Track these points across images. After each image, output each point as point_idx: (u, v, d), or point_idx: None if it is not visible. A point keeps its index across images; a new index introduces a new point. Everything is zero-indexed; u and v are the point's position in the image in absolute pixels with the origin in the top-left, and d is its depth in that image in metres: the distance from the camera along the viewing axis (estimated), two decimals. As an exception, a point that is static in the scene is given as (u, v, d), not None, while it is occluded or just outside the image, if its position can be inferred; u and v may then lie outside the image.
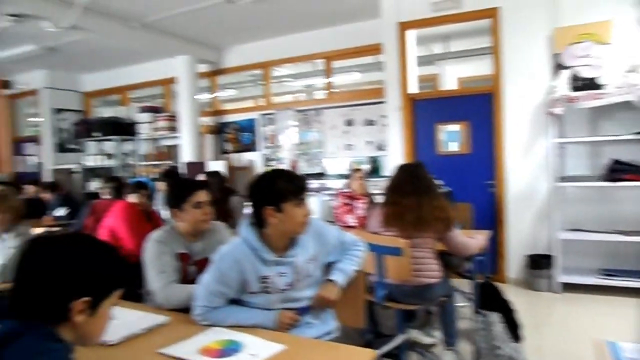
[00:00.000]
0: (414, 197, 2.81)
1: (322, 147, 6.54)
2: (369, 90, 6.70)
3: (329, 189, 6.24)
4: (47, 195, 5.89)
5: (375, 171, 6.11)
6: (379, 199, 3.28)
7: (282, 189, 1.83)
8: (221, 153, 7.29)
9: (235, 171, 6.97)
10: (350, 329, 2.17)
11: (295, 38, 6.69)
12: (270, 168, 5.42)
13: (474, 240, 3.08)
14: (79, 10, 5.06)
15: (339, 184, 6.10)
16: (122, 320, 1.93)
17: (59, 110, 8.56)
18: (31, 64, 7.76)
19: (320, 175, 6.40)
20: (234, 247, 1.93)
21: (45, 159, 8.46)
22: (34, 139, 8.79)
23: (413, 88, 5.39)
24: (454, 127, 5.26)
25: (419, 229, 2.80)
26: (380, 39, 5.42)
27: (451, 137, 5.30)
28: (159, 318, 1.93)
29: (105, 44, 6.57)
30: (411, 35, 5.36)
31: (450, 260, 3.19)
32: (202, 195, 2.35)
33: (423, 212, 2.78)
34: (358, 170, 4.52)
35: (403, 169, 3.04)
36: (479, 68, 6.24)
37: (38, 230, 3.89)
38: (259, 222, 1.89)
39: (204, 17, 5.69)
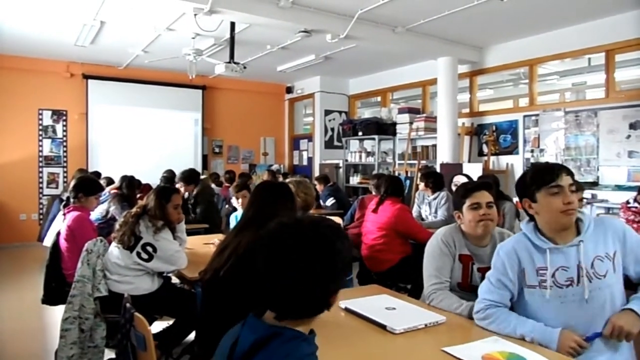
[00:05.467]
0: None
1: (595, 153, 5.78)
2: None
3: (602, 200, 5.48)
4: (320, 187, 6.74)
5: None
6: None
7: (532, 179, 1.85)
8: (478, 155, 7.12)
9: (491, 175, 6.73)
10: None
11: (567, 31, 6.06)
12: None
13: None
14: (354, 21, 5.57)
15: (615, 196, 5.33)
16: (404, 312, 2.09)
17: (328, 112, 9.67)
18: (309, 72, 8.94)
19: (592, 185, 5.67)
20: (513, 239, 2.00)
21: (315, 154, 9.67)
22: (307, 136, 10.15)
23: None
24: None
25: None
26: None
27: None
28: (438, 316, 1.99)
29: (372, 49, 7.08)
30: None
31: None
32: (480, 197, 2.25)
33: None
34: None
35: None
36: None
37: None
38: (531, 220, 1.92)
39: (468, 17, 5.61)
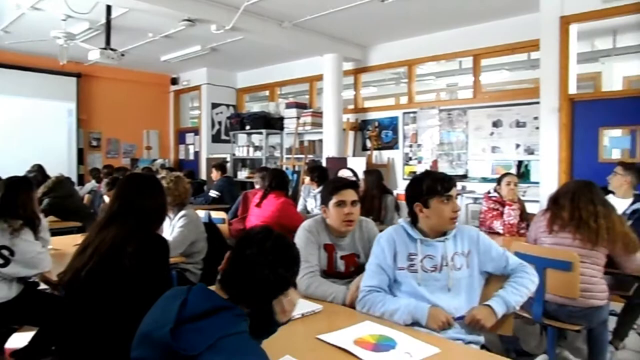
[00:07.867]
0: (592, 206, 2.64)
1: (465, 148, 6.31)
2: (519, 90, 6.30)
3: (470, 191, 6.00)
4: (215, 175, 6.64)
5: (522, 176, 5.71)
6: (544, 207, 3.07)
7: (428, 186, 2.05)
8: (362, 150, 7.41)
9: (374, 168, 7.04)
10: (495, 337, 2.10)
11: (442, 35, 6.52)
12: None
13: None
14: (240, 13, 5.49)
15: (481, 187, 5.85)
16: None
17: (216, 105, 9.45)
18: (195, 63, 8.65)
19: (462, 177, 6.18)
20: (392, 228, 2.17)
21: (202, 148, 9.40)
22: (194, 130, 9.84)
23: (572, 88, 4.96)
24: (619, 132, 4.85)
25: (595, 242, 2.60)
26: (538, 34, 5.07)
27: (616, 144, 4.86)
28: (314, 306, 2.04)
29: (260, 43, 7.02)
30: (574, 30, 4.93)
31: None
32: (346, 195, 2.39)
33: (605, 224, 2.60)
34: (509, 175, 4.27)
35: (580, 181, 2.90)
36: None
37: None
38: (412, 218, 2.13)
39: (352, 16, 5.80)
